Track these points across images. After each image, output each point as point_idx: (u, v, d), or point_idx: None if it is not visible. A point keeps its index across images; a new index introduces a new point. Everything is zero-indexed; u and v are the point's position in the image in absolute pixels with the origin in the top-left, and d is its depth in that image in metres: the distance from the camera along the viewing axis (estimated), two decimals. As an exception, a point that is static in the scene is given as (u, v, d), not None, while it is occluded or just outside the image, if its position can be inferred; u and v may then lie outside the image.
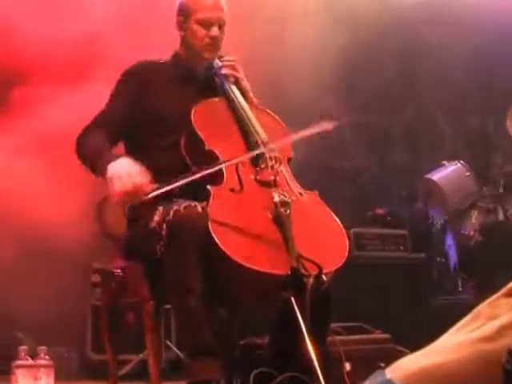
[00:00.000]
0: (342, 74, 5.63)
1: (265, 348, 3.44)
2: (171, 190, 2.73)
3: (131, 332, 3.68)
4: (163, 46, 3.38)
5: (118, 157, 2.82)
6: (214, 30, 3.04)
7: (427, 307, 5.07)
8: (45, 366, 2.97)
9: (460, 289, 5.50)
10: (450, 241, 5.62)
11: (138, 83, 3.10)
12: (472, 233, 5.49)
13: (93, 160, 2.88)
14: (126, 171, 2.69)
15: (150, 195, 2.71)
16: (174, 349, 4.58)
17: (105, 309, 3.08)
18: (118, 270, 3.00)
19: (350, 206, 5.89)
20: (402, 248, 5.11)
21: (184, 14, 3.09)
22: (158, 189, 2.71)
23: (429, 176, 5.66)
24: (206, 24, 3.04)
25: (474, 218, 5.53)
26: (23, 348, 3.02)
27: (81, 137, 3.00)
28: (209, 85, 3.14)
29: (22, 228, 4.94)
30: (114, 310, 3.13)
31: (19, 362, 2.97)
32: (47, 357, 3.01)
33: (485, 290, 5.56)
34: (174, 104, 3.05)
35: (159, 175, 2.80)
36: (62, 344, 4.61)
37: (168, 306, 3.12)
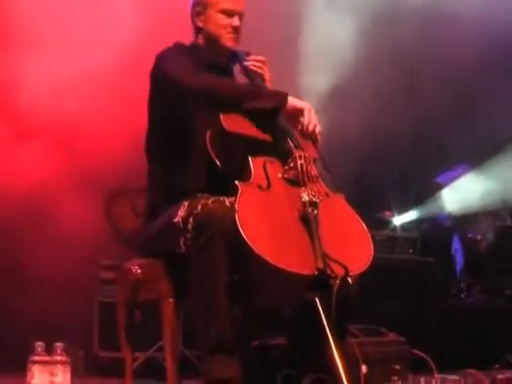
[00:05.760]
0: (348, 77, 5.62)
1: (280, 349, 3.41)
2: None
3: (138, 330, 3.63)
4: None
5: None
6: (236, 20, 3.06)
7: (435, 310, 5.06)
8: (61, 363, 2.93)
9: (465, 293, 5.49)
10: (456, 245, 5.62)
11: None
12: (479, 237, 5.49)
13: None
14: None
15: None
16: (181, 347, 4.54)
17: (122, 306, 3.03)
18: (137, 267, 2.96)
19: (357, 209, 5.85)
20: (411, 251, 5.10)
21: (203, 4, 3.08)
22: None
23: (437, 179, 5.66)
24: (229, 14, 3.05)
25: (482, 223, 5.53)
26: (39, 344, 2.97)
27: None
28: (229, 75, 3.14)
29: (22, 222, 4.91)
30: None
31: (36, 358, 2.92)
32: (64, 353, 2.97)
33: (491, 294, 5.53)
34: None
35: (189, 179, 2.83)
36: (67, 340, 4.57)
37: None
